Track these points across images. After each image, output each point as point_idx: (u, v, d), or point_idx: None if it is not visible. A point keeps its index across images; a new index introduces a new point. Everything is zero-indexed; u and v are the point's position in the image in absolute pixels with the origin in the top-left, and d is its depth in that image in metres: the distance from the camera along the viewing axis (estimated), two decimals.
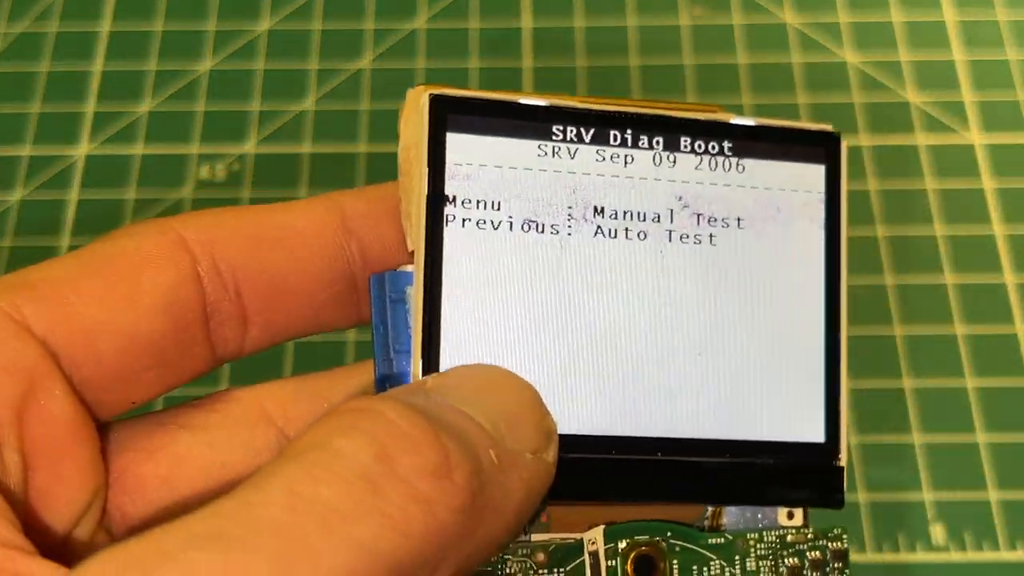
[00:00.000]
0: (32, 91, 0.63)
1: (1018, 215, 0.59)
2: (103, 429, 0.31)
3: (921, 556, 0.51)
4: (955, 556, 0.51)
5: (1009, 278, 0.57)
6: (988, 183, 0.60)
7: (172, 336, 0.30)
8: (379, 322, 0.30)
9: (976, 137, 0.61)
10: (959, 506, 0.52)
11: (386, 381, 0.30)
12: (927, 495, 0.52)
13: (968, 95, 0.63)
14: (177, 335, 0.30)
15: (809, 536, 0.31)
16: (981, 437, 0.54)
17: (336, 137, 0.62)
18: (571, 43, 0.65)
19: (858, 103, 0.62)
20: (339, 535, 0.23)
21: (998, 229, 0.59)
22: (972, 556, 0.51)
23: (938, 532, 0.52)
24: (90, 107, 0.63)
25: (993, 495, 0.53)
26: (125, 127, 0.62)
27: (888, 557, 0.51)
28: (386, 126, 0.62)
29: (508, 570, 0.30)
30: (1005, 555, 0.51)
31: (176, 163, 0.61)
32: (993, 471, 0.53)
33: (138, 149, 0.61)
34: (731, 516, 0.32)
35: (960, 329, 0.56)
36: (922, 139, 0.61)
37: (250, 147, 0.62)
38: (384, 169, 0.59)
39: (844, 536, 0.31)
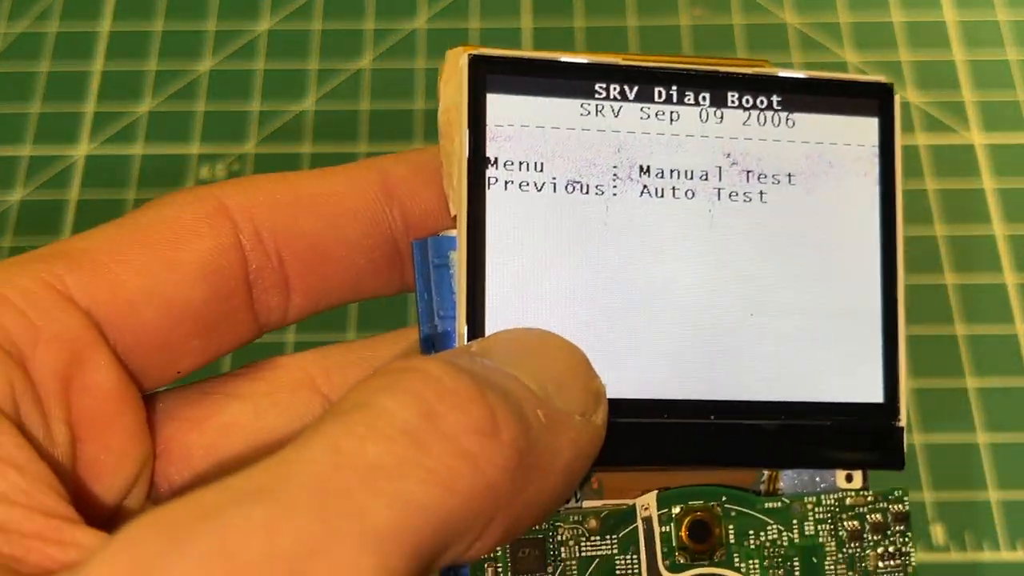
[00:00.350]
0: (32, 91, 0.63)
1: (1018, 215, 0.59)
2: (149, 399, 0.31)
3: (921, 556, 0.51)
4: (955, 556, 0.51)
5: (1009, 278, 0.57)
6: (988, 183, 0.60)
7: (215, 304, 0.30)
8: (423, 288, 0.30)
9: (976, 137, 0.61)
10: (959, 506, 0.52)
11: (431, 346, 0.29)
12: (927, 495, 0.52)
13: (968, 95, 0.63)
14: (220, 303, 0.30)
15: (869, 499, 0.31)
16: (981, 437, 0.54)
17: (336, 137, 0.62)
18: (571, 43, 0.64)
19: None
20: (383, 491, 0.22)
21: (998, 229, 0.59)
22: (972, 556, 0.51)
23: (938, 532, 0.52)
24: (90, 107, 0.62)
25: (993, 495, 0.52)
26: (125, 127, 0.62)
27: None
28: (386, 126, 0.62)
29: (560, 537, 0.29)
30: (1005, 555, 0.51)
31: (176, 163, 0.61)
32: (993, 471, 0.53)
33: (138, 149, 0.61)
34: (788, 479, 0.31)
35: (960, 329, 0.56)
36: (922, 139, 0.61)
37: (250, 147, 0.61)
38: None
39: (905, 498, 0.31)
